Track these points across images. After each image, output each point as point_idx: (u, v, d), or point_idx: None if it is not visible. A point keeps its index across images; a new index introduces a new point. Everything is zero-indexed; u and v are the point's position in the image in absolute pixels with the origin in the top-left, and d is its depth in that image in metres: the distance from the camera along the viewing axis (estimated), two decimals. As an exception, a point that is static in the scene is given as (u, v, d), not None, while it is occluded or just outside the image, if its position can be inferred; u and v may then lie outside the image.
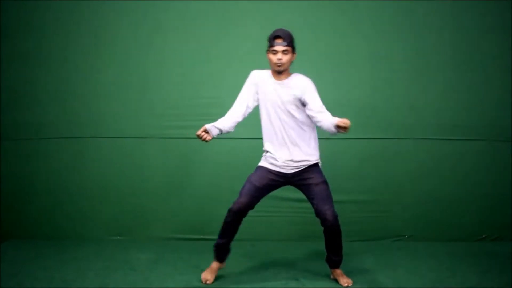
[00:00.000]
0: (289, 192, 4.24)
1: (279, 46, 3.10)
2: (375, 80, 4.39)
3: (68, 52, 4.36)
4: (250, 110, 3.27)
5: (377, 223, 4.39)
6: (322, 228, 3.20)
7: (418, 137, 4.38)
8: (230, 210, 3.18)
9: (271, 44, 3.12)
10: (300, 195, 4.33)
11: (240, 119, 3.25)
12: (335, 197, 4.32)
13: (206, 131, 3.14)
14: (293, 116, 3.18)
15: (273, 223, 4.30)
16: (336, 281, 3.33)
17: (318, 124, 3.20)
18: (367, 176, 4.38)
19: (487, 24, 4.37)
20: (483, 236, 4.42)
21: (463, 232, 4.40)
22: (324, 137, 4.35)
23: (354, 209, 4.36)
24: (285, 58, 3.12)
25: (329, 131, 3.12)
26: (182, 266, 3.68)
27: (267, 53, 3.17)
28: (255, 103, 3.26)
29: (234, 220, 3.19)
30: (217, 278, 3.37)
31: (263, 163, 3.27)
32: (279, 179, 3.24)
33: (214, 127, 3.16)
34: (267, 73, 3.24)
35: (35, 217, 4.40)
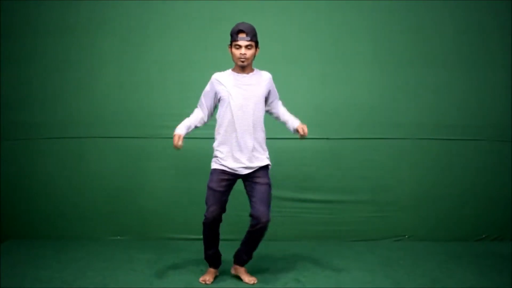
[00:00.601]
0: (289, 192, 4.25)
1: (243, 41, 3.08)
2: (374, 80, 4.39)
3: (68, 52, 4.36)
4: (211, 115, 3.31)
5: (377, 223, 4.39)
6: (249, 228, 3.19)
7: (418, 137, 4.38)
8: (205, 223, 3.18)
9: (234, 39, 3.10)
10: (300, 195, 4.36)
11: (205, 120, 3.31)
12: (335, 197, 4.37)
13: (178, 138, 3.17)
14: (256, 114, 3.16)
15: (273, 223, 4.28)
16: (239, 277, 3.36)
17: (274, 116, 3.31)
18: (367, 176, 4.38)
19: (487, 24, 4.38)
20: (483, 236, 4.42)
21: (463, 232, 4.40)
22: (324, 137, 4.39)
23: (354, 209, 4.37)
24: (249, 53, 3.11)
25: (286, 127, 3.27)
26: (182, 266, 3.68)
27: (229, 47, 3.16)
28: (214, 107, 3.29)
29: (212, 229, 3.21)
30: (217, 278, 3.37)
31: (216, 165, 3.23)
32: (233, 178, 3.22)
33: (183, 128, 3.22)
34: (227, 73, 3.23)
35: (35, 217, 4.40)
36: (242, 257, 3.35)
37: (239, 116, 3.14)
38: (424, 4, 4.36)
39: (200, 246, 4.15)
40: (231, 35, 3.11)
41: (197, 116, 3.30)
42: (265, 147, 3.25)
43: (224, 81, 3.18)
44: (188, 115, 4.31)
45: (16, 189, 4.40)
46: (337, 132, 4.38)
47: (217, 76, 3.22)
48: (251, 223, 3.17)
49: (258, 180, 3.19)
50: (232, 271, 3.42)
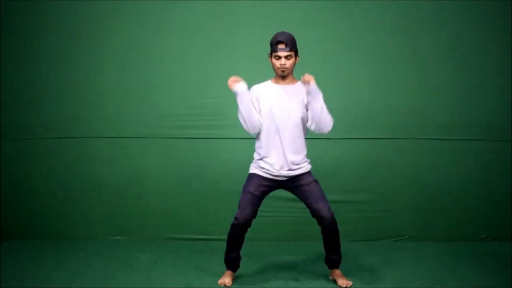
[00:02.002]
0: (289, 192, 4.24)
1: (282, 52, 3.07)
2: (374, 81, 4.39)
3: (68, 52, 4.36)
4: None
5: (377, 223, 4.39)
6: (320, 228, 3.18)
7: (418, 137, 4.38)
8: (235, 225, 3.11)
9: (273, 49, 3.08)
10: (300, 195, 4.35)
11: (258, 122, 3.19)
12: (335, 197, 4.35)
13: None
14: (298, 123, 3.16)
15: (273, 223, 4.30)
16: (335, 281, 3.32)
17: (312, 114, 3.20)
18: (367, 176, 4.38)
19: (487, 24, 4.38)
20: (483, 236, 4.42)
21: (463, 232, 4.40)
22: (324, 137, 4.38)
23: (354, 209, 4.36)
24: (289, 63, 3.10)
25: (313, 102, 3.16)
26: (182, 266, 3.68)
27: (269, 57, 3.15)
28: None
29: (240, 233, 3.17)
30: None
31: (256, 170, 3.22)
32: (272, 184, 3.21)
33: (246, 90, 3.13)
34: (266, 83, 3.21)
35: (35, 217, 4.40)
36: (332, 259, 3.29)
37: (279, 125, 3.13)
38: (425, 4, 4.35)
39: (200, 246, 4.16)
40: (271, 45, 3.09)
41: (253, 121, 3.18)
42: (305, 154, 3.23)
43: (263, 92, 3.16)
44: (188, 115, 4.34)
45: (16, 189, 4.40)
46: (337, 132, 4.37)
47: (255, 89, 3.18)
48: (318, 224, 3.16)
49: (302, 182, 3.18)
50: (330, 277, 3.37)
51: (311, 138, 4.31)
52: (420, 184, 4.40)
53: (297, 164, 3.19)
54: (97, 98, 4.37)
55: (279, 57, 3.08)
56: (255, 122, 3.15)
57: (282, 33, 3.11)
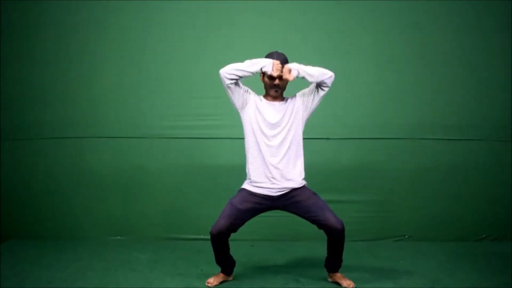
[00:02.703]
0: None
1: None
2: (374, 80, 4.39)
3: (68, 52, 4.36)
4: (233, 88, 3.06)
5: (377, 223, 4.40)
6: (329, 238, 3.10)
7: (418, 137, 4.39)
8: (210, 234, 3.10)
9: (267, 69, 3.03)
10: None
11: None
12: (335, 197, 4.37)
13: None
14: (286, 136, 3.10)
15: (273, 223, 4.30)
16: (337, 283, 3.28)
17: (320, 87, 3.15)
18: (367, 176, 4.38)
19: (487, 24, 4.38)
20: (483, 236, 4.42)
21: (463, 232, 4.40)
22: (324, 137, 4.39)
23: (355, 209, 4.37)
24: (283, 83, 3.08)
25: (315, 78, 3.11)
26: (182, 266, 3.68)
27: (261, 75, 3.10)
28: (239, 97, 3.09)
29: (218, 242, 3.13)
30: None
31: (246, 186, 3.14)
32: (264, 202, 3.10)
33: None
34: (260, 99, 3.15)
35: (35, 217, 4.40)
36: (336, 263, 3.24)
37: (266, 142, 3.07)
38: (425, 4, 4.35)
39: (200, 246, 4.16)
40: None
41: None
42: (299, 169, 3.15)
43: (258, 100, 3.12)
44: (188, 115, 4.34)
45: (16, 189, 4.40)
46: (337, 132, 4.38)
47: (252, 94, 3.15)
48: (328, 234, 3.08)
49: (299, 198, 3.09)
50: (329, 279, 3.32)
51: (311, 138, 4.33)
52: (420, 184, 4.40)
53: (288, 183, 3.09)
54: (97, 98, 4.37)
55: (273, 78, 3.05)
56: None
57: (276, 53, 3.08)
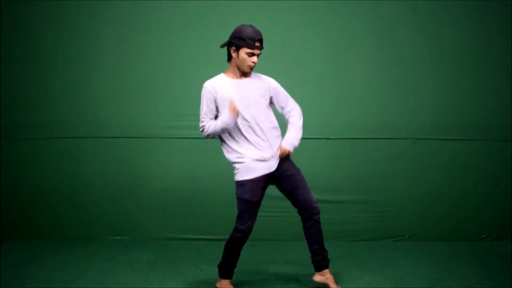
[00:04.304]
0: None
1: (258, 50, 2.99)
2: (375, 81, 4.39)
3: (68, 52, 4.36)
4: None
5: (377, 223, 4.39)
6: (308, 223, 3.08)
7: (418, 137, 4.38)
8: (240, 238, 3.00)
9: (249, 46, 2.93)
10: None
11: None
12: (336, 197, 4.38)
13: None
14: (265, 109, 3.07)
15: (273, 223, 4.30)
16: (326, 285, 3.17)
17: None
18: (367, 176, 4.38)
19: (487, 24, 4.38)
20: (483, 236, 4.42)
21: (463, 232, 4.40)
22: (324, 137, 4.39)
23: (354, 209, 4.37)
24: (257, 61, 3.03)
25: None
26: (182, 266, 3.68)
27: (239, 50, 2.96)
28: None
29: (243, 244, 3.07)
30: (217, 278, 3.36)
31: (243, 176, 3.03)
32: (266, 181, 3.07)
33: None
34: (220, 78, 3.07)
35: (35, 217, 4.40)
36: (324, 256, 3.18)
37: (246, 119, 3.02)
38: (424, 4, 4.35)
39: (200, 246, 4.16)
40: (244, 40, 2.93)
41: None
42: (278, 131, 3.15)
43: (220, 87, 3.04)
44: (187, 115, 4.33)
45: (16, 189, 4.40)
46: (337, 132, 4.38)
47: (211, 88, 3.04)
48: (308, 216, 3.06)
49: (289, 172, 3.08)
50: (317, 279, 3.20)
51: (311, 138, 4.34)
52: (420, 184, 4.40)
53: (274, 148, 3.07)
54: (97, 98, 4.37)
55: (253, 55, 2.98)
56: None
57: (256, 29, 2.99)
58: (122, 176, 4.38)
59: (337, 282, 3.23)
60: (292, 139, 3.14)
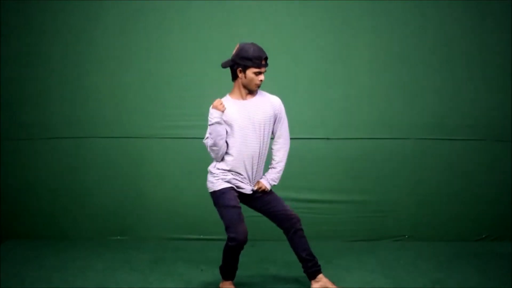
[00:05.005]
0: (289, 192, 4.24)
1: (265, 68, 3.00)
2: (375, 80, 4.39)
3: (68, 52, 4.36)
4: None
5: (377, 223, 4.39)
6: (289, 233, 3.11)
7: (418, 137, 4.38)
8: (235, 245, 2.95)
9: (257, 65, 2.95)
10: (301, 195, 4.36)
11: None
12: (335, 197, 4.38)
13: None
14: (264, 134, 3.07)
15: (273, 223, 4.29)
16: None
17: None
18: (367, 176, 4.38)
19: (487, 24, 4.38)
20: (483, 236, 4.42)
21: (463, 232, 4.40)
22: (324, 137, 4.39)
23: (354, 209, 4.37)
24: (264, 78, 3.04)
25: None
26: (182, 266, 3.68)
27: (246, 70, 2.97)
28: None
29: (241, 249, 3.04)
30: (217, 278, 3.37)
31: (224, 184, 3.05)
32: (239, 198, 3.10)
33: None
34: (226, 101, 3.08)
35: (35, 217, 4.40)
36: (315, 262, 3.18)
37: (245, 142, 3.03)
38: (425, 4, 4.35)
39: (200, 246, 4.17)
40: (251, 60, 2.94)
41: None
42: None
43: (226, 112, 3.04)
44: (187, 115, 4.33)
45: (16, 189, 4.40)
46: (337, 132, 4.38)
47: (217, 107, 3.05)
48: (287, 228, 3.10)
49: (259, 193, 3.13)
50: (315, 286, 3.18)
51: (311, 138, 4.34)
52: (420, 184, 4.40)
53: (258, 178, 3.15)
54: (97, 98, 4.36)
55: (260, 73, 3.00)
56: (224, 150, 3.07)
57: (260, 48, 3.01)
58: (122, 176, 4.38)
59: (337, 282, 3.23)
60: (272, 178, 3.18)
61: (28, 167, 4.40)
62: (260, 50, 2.99)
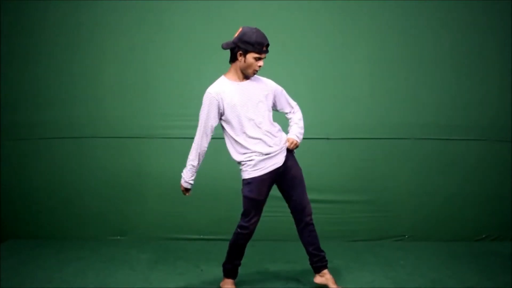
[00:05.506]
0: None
1: (265, 55, 3.01)
2: (374, 80, 4.39)
3: (68, 52, 4.36)
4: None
5: (377, 223, 4.39)
6: (300, 225, 3.13)
7: (418, 137, 4.39)
8: (244, 234, 3.03)
9: (258, 50, 2.95)
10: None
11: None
12: (335, 197, 4.38)
13: (186, 190, 3.17)
14: (264, 110, 3.08)
15: (273, 223, 4.30)
16: (325, 285, 3.18)
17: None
18: (367, 176, 4.38)
19: (487, 24, 4.38)
20: (483, 236, 4.42)
21: (463, 232, 4.40)
22: (324, 137, 4.39)
23: (354, 209, 4.37)
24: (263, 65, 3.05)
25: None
26: (182, 266, 3.68)
27: (246, 54, 2.98)
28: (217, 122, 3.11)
29: (247, 241, 3.08)
30: (217, 278, 3.37)
31: (250, 173, 3.04)
32: (272, 178, 3.08)
33: (190, 181, 3.18)
34: (223, 82, 3.08)
35: (35, 217, 4.40)
36: (322, 257, 3.19)
37: (246, 122, 3.02)
38: (425, 4, 4.35)
39: (200, 246, 4.17)
40: (253, 45, 2.93)
41: (203, 151, 3.19)
42: (278, 126, 3.18)
43: (223, 92, 3.04)
44: (187, 115, 4.33)
45: (16, 189, 4.40)
46: (337, 132, 4.38)
47: (213, 91, 3.05)
48: (299, 219, 3.12)
49: (292, 172, 3.12)
50: (317, 280, 3.20)
51: (311, 138, 4.33)
52: (420, 184, 4.40)
53: (277, 144, 3.10)
54: (97, 98, 4.37)
55: (260, 59, 3.00)
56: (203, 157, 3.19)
57: (263, 34, 3.00)
58: (122, 176, 4.37)
59: (337, 282, 3.22)
60: (297, 133, 3.22)
61: (28, 167, 4.40)
62: (263, 36, 2.99)
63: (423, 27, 4.37)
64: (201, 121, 3.09)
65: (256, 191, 3.04)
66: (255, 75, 3.12)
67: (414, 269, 3.62)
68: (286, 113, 3.26)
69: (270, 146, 3.06)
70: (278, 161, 3.08)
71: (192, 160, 3.17)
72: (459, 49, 4.39)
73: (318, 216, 4.31)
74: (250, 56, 2.98)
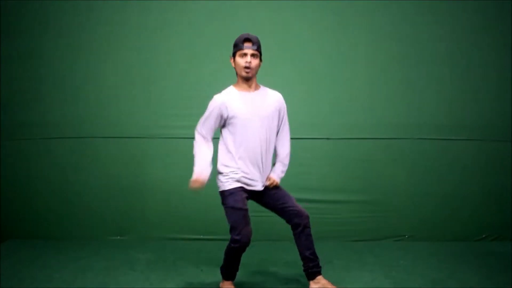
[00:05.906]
0: (289, 191, 4.23)
1: (249, 49, 2.95)
2: (374, 80, 4.39)
3: (69, 52, 4.36)
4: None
5: (377, 223, 4.40)
6: (297, 229, 3.08)
7: (417, 137, 4.39)
8: (239, 247, 2.93)
9: (239, 48, 2.95)
10: (300, 195, 4.34)
11: None
12: (335, 197, 4.38)
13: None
14: (271, 128, 3.06)
15: (273, 223, 4.29)
16: None
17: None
18: (367, 176, 4.38)
19: (486, 24, 4.38)
20: (483, 236, 4.42)
21: (463, 232, 4.40)
22: (324, 137, 4.39)
23: (354, 209, 4.37)
24: (254, 63, 2.98)
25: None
26: (182, 266, 3.68)
27: (232, 59, 3.01)
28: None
29: (243, 251, 3.03)
30: (217, 278, 3.36)
31: (234, 184, 3.01)
32: (250, 195, 3.09)
33: (207, 171, 3.08)
34: (231, 92, 3.04)
35: (35, 217, 4.40)
36: (317, 263, 3.14)
37: (251, 136, 3.00)
38: (425, 4, 4.35)
39: (200, 246, 4.17)
40: (236, 45, 2.98)
41: (210, 150, 3.12)
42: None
43: (229, 100, 3.00)
44: (187, 115, 4.32)
45: (16, 189, 4.40)
46: (337, 132, 4.38)
47: (221, 99, 3.00)
48: (296, 224, 3.07)
49: (271, 189, 3.11)
50: (315, 286, 3.15)
51: (311, 138, 4.34)
52: (420, 184, 4.40)
53: (267, 172, 3.12)
54: (98, 98, 4.37)
55: (245, 55, 2.96)
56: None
57: (248, 33, 3.02)
58: (122, 176, 4.37)
59: (337, 282, 3.23)
60: (279, 172, 3.17)
61: (28, 167, 4.40)
62: (245, 33, 3.00)
63: (423, 27, 4.38)
64: (202, 121, 3.11)
65: (241, 201, 3.00)
66: (264, 87, 3.10)
67: (414, 269, 3.62)
68: (277, 138, 3.15)
69: (255, 180, 3.05)
70: (258, 188, 3.09)
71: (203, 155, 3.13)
72: (458, 49, 4.39)
73: (318, 216, 4.34)
74: (237, 57, 2.99)
